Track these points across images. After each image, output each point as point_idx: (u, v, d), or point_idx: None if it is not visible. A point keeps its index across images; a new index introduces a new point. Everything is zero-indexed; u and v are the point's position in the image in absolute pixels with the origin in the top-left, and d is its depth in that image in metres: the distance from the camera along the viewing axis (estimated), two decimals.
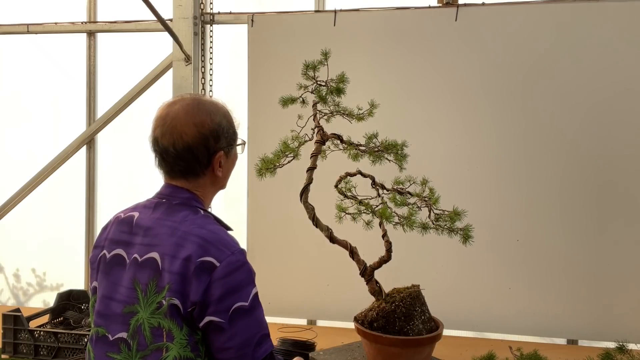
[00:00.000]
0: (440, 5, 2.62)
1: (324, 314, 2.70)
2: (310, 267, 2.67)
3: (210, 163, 1.27)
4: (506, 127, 2.54)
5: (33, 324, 2.44)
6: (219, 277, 1.12)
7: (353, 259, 1.63)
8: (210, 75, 2.96)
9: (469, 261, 2.52)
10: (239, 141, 1.40)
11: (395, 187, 1.65)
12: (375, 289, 1.62)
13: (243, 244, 2.71)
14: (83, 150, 3.10)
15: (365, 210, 1.64)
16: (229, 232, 1.28)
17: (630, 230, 2.44)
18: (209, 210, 1.33)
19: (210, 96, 2.92)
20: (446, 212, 1.59)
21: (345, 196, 1.70)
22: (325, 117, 1.74)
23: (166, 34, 2.61)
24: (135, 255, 1.20)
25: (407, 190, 1.65)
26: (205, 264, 1.13)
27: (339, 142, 1.70)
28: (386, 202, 1.63)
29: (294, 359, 1.45)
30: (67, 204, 3.15)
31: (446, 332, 1.65)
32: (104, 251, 1.26)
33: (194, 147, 1.25)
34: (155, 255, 1.18)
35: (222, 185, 1.38)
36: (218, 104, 1.35)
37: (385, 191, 1.67)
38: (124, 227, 1.28)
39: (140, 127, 2.92)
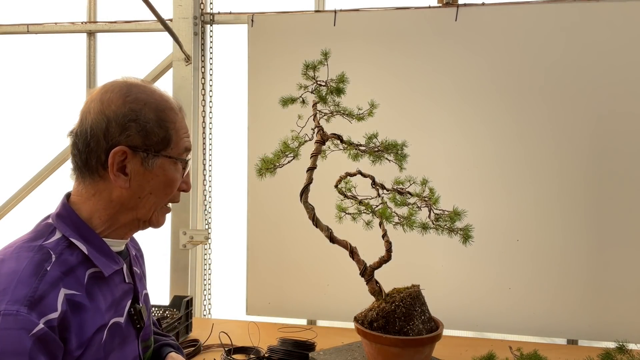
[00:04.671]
0: (440, 5, 2.62)
1: (324, 314, 2.70)
2: (310, 267, 2.67)
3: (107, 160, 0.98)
4: (506, 127, 2.54)
5: None
6: None
7: (353, 259, 1.63)
8: (210, 75, 2.96)
9: (469, 261, 2.52)
10: (173, 155, 1.04)
11: (395, 187, 1.65)
12: (375, 289, 1.61)
13: (243, 244, 2.76)
14: None
15: (365, 210, 1.64)
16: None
17: (631, 230, 2.44)
18: (76, 242, 0.98)
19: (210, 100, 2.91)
20: (446, 212, 1.59)
21: (345, 196, 1.70)
22: (325, 117, 1.74)
23: (166, 34, 2.61)
24: None
25: (407, 190, 1.65)
26: None
27: (339, 142, 1.70)
28: (386, 202, 1.63)
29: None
30: None
31: (446, 332, 1.65)
32: None
33: (91, 130, 0.97)
34: None
35: (133, 207, 1.03)
36: (155, 94, 1.03)
37: (385, 191, 1.67)
38: None
39: None
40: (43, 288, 0.88)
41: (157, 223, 1.10)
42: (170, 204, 1.12)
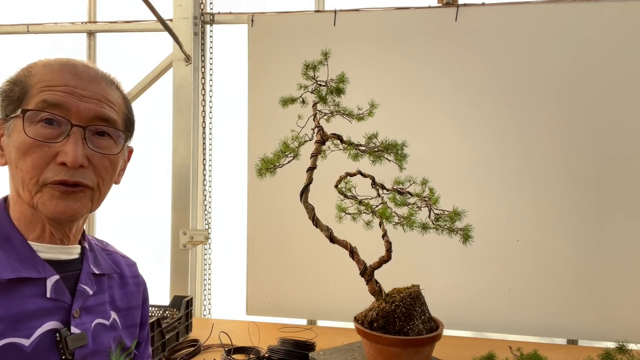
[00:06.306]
0: (440, 5, 2.62)
1: (324, 314, 2.70)
2: (310, 267, 2.67)
3: None
4: (506, 127, 2.54)
5: None
6: None
7: (353, 259, 1.63)
8: (210, 75, 2.96)
9: (469, 261, 2.53)
10: (17, 112, 0.85)
11: (395, 187, 1.65)
12: (375, 289, 1.61)
13: (243, 244, 2.75)
14: None
15: (365, 210, 1.64)
16: None
17: (631, 230, 2.44)
18: None
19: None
20: (446, 212, 1.59)
21: (345, 196, 1.70)
22: (325, 117, 1.74)
23: (166, 34, 2.61)
24: None
25: (407, 190, 1.65)
26: None
27: (339, 142, 1.70)
28: (386, 202, 1.63)
29: None
30: None
31: (446, 332, 1.66)
32: None
33: None
34: None
35: (17, 189, 0.88)
36: (57, 59, 0.91)
37: (385, 191, 1.67)
38: None
39: (140, 127, 2.91)
40: None
41: (43, 208, 0.86)
42: (58, 184, 0.85)
